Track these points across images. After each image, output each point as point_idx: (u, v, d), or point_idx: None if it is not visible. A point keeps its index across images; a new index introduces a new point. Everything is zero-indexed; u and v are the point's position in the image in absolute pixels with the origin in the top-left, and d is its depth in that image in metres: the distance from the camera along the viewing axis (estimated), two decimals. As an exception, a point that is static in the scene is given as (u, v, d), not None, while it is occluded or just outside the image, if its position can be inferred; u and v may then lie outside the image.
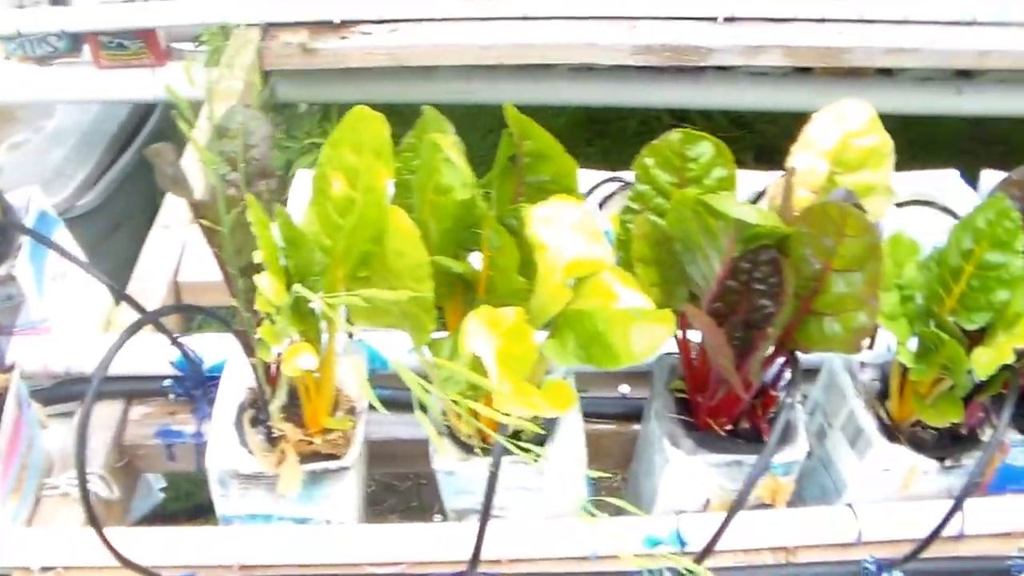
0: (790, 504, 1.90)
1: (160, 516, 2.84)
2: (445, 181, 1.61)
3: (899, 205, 2.27)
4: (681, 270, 1.70)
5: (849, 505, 1.87)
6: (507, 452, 1.45)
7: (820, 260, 1.62)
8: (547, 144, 1.68)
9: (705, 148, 1.71)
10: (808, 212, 1.62)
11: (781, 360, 1.78)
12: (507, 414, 1.44)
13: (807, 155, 1.76)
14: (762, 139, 4.35)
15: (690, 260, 1.68)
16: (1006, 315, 1.69)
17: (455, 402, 1.45)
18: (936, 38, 3.26)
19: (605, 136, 4.32)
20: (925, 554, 1.80)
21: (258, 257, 1.53)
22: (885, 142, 1.76)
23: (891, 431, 1.84)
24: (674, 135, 1.71)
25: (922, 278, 1.76)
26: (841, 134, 1.76)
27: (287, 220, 1.60)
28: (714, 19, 3.18)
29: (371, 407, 1.78)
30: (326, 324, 1.67)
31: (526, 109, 1.66)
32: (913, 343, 1.76)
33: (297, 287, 1.53)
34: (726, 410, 1.80)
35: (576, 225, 1.59)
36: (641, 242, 1.69)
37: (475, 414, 1.45)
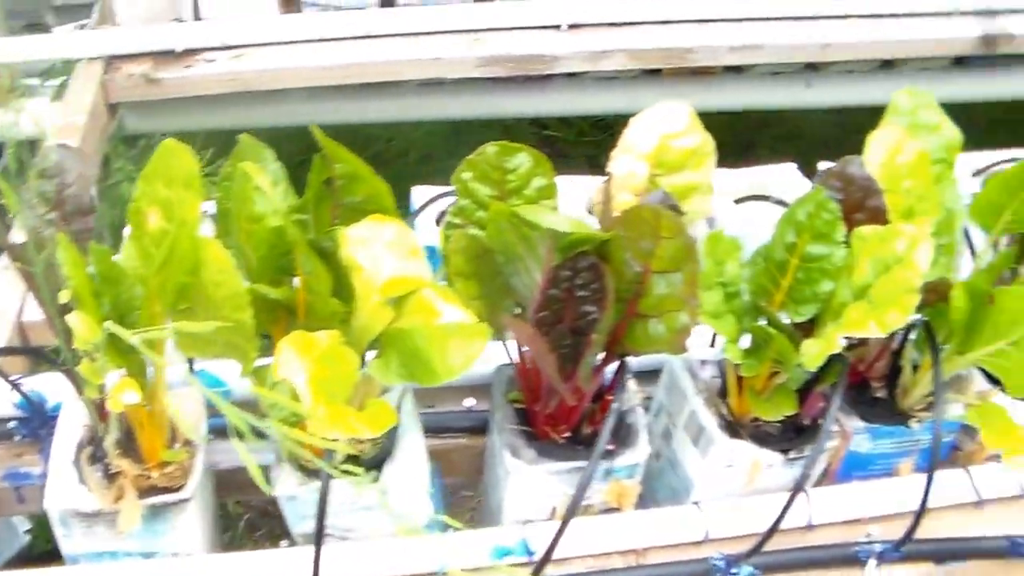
0: (641, 506, 1.90)
1: (27, 559, 2.80)
2: (257, 209, 1.60)
3: (737, 201, 2.28)
4: (505, 282, 1.70)
5: (696, 503, 1.88)
6: (349, 474, 1.44)
7: (640, 263, 1.63)
8: (357, 166, 1.68)
9: (523, 159, 1.71)
10: (625, 216, 1.63)
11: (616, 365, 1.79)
12: (326, 438, 1.43)
13: (626, 159, 1.76)
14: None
15: (512, 271, 1.68)
16: (832, 306, 1.70)
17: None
18: (779, 33, 3.29)
19: (467, 148, 4.32)
20: (775, 546, 1.81)
21: (65, 296, 1.51)
22: (705, 142, 1.77)
23: (733, 427, 1.85)
24: (490, 148, 1.71)
25: (749, 273, 1.77)
26: (660, 136, 1.76)
27: (102, 257, 1.58)
28: (557, 27, 3.19)
29: (217, 436, 1.77)
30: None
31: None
32: (748, 339, 1.77)
33: (108, 324, 1.50)
34: (564, 418, 1.80)
35: (391, 244, 1.59)
36: (459, 256, 1.69)
37: (298, 439, 1.44)
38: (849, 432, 1.92)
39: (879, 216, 1.74)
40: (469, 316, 1.56)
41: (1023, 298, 1.68)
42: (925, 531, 1.90)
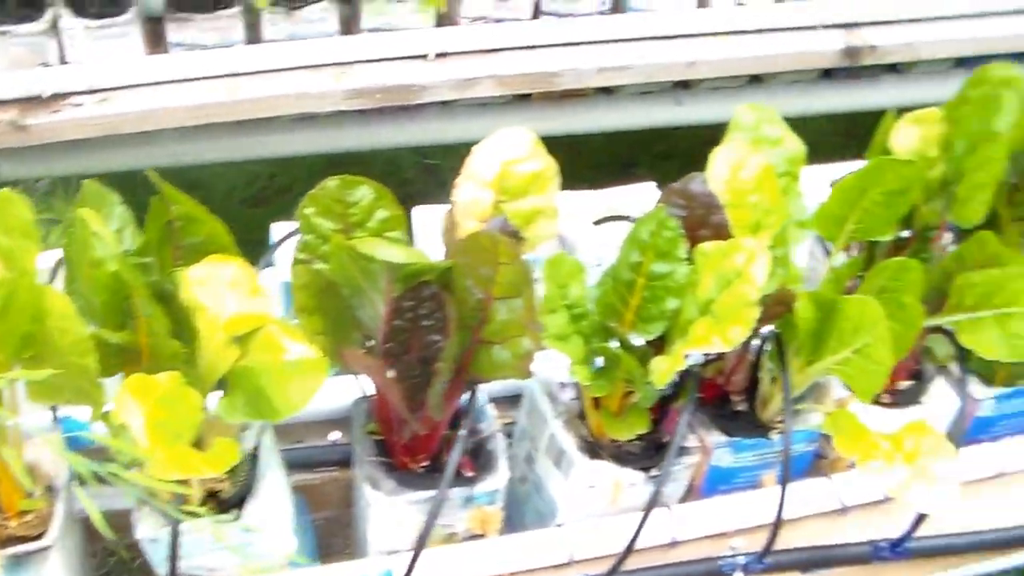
0: (510, 530, 1.91)
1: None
2: (96, 254, 1.59)
3: (597, 222, 2.29)
4: (353, 315, 1.70)
5: (560, 526, 1.88)
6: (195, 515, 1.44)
7: (481, 290, 1.63)
8: (192, 208, 1.68)
9: (364, 192, 1.71)
10: (464, 243, 1.64)
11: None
12: (167, 479, 1.43)
13: (470, 186, 1.77)
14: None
15: (358, 304, 1.68)
16: (679, 323, 1.72)
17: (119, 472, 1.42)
18: (644, 54, 3.30)
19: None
20: (639, 564, 1.83)
21: None
22: (548, 166, 1.78)
23: (594, 448, 1.86)
24: (331, 182, 1.71)
25: (598, 294, 1.78)
26: (502, 163, 1.77)
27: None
28: (424, 56, 3.19)
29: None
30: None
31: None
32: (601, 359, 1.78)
33: (-63, 377, 1.49)
34: (422, 447, 1.80)
35: (232, 283, 1.58)
36: (302, 292, 1.69)
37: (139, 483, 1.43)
38: (709, 447, 1.93)
39: (722, 231, 1.76)
40: (313, 351, 1.56)
41: (864, 306, 1.70)
42: (791, 540, 1.93)
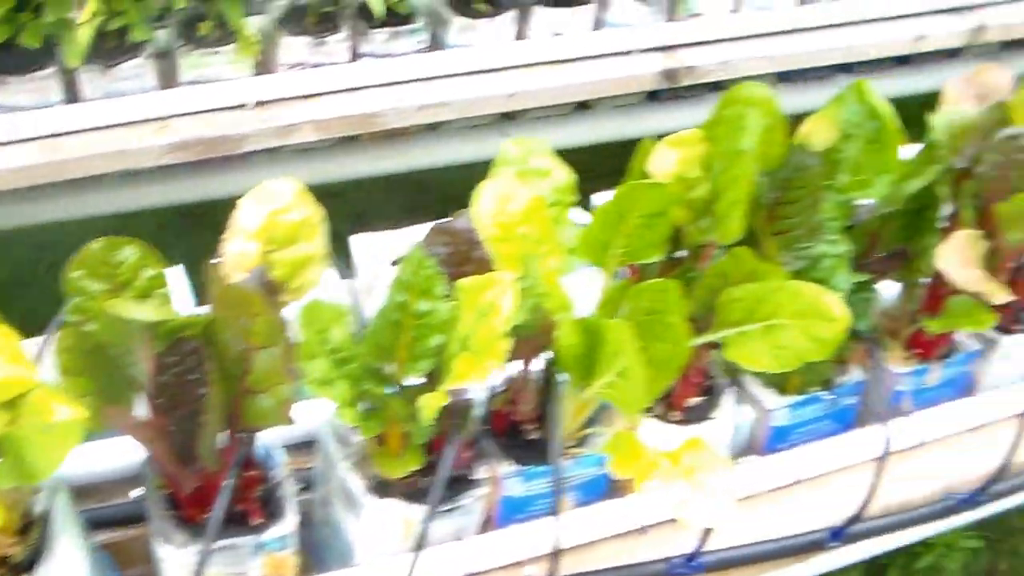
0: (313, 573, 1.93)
1: None
2: None
3: (395, 263, 2.32)
4: (123, 373, 1.72)
5: (354, 567, 1.91)
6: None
7: (241, 341, 1.66)
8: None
9: (130, 252, 1.73)
10: (221, 297, 1.66)
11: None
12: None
13: (237, 240, 1.79)
14: (357, 206, 4.39)
15: (127, 363, 1.70)
16: (445, 359, 1.75)
17: None
18: (463, 89, 3.36)
19: (204, 228, 4.31)
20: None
21: None
22: (314, 214, 1.81)
23: (384, 487, 1.88)
24: (96, 244, 1.72)
25: (371, 335, 1.81)
26: (267, 213, 1.80)
27: None
28: (243, 105, 3.21)
29: None
30: None
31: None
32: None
33: None
34: (208, 498, 1.81)
35: (-7, 351, 1.60)
36: (66, 355, 1.70)
37: None
38: (499, 477, 1.96)
39: (485, 266, 1.80)
40: (77, 413, 1.58)
41: (619, 330, 1.74)
42: (592, 563, 1.97)
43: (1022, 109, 2.18)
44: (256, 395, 1.70)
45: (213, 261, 1.76)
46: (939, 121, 2.22)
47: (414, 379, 1.81)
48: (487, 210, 1.87)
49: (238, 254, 1.79)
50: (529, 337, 1.84)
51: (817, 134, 2.10)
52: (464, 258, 1.81)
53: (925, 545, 3.08)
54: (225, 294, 1.65)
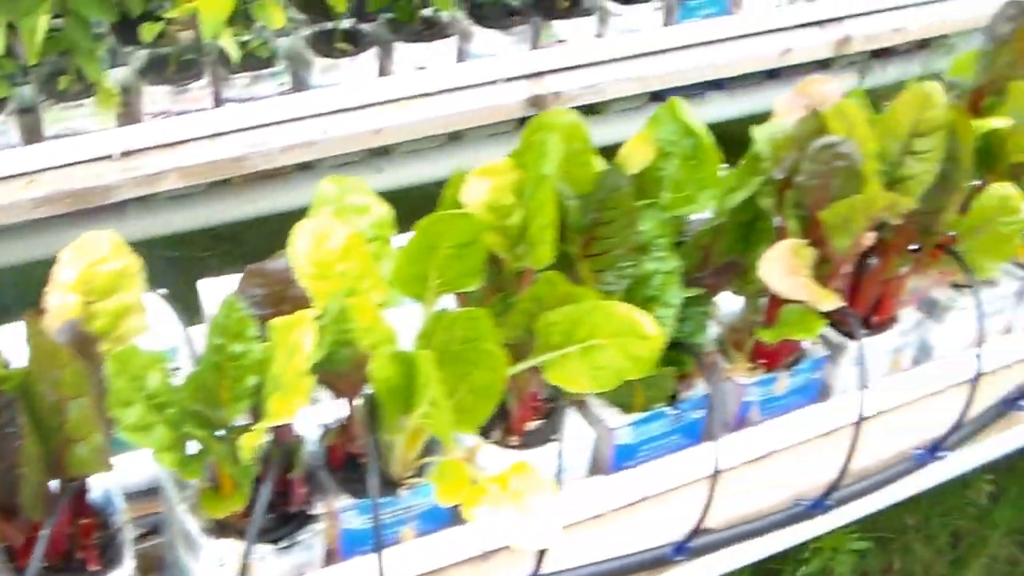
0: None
1: None
2: None
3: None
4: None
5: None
6: None
7: (55, 392, 1.69)
8: None
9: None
10: (35, 349, 1.69)
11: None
12: None
13: (57, 293, 1.83)
14: (245, 248, 4.41)
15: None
16: (261, 399, 1.79)
17: None
18: (329, 127, 3.39)
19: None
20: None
21: None
22: (131, 264, 1.85)
23: (222, 527, 1.91)
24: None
25: (195, 379, 1.84)
26: (85, 265, 1.83)
27: None
28: (109, 156, 3.23)
29: None
30: None
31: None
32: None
33: None
34: (53, 547, 1.83)
35: None
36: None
37: None
38: (336, 511, 1.99)
39: (301, 304, 1.83)
40: None
41: (427, 360, 1.78)
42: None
43: (838, 119, 2.23)
44: (74, 444, 1.73)
45: (30, 314, 1.79)
46: (761, 134, 2.29)
47: (241, 420, 1.84)
48: (303, 249, 1.91)
49: (58, 306, 1.82)
50: (346, 372, 1.87)
51: (635, 155, 2.16)
52: (280, 298, 1.85)
53: (812, 550, 3.12)
54: (37, 347, 1.68)
